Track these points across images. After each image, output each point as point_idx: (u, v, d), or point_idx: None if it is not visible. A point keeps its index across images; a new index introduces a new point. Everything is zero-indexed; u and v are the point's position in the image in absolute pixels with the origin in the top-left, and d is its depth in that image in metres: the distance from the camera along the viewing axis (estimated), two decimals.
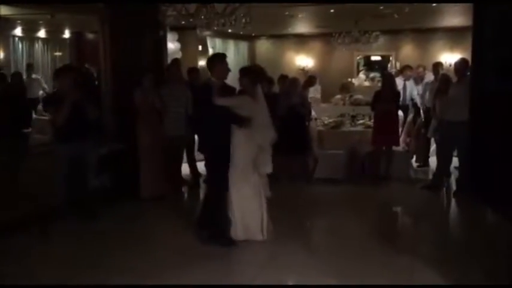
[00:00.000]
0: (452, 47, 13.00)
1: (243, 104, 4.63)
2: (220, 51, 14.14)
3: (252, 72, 4.90)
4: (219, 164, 4.67)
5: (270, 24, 12.18)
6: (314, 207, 6.22)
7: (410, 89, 8.73)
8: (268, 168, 4.73)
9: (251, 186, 4.70)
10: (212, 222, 4.78)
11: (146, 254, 4.56)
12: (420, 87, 8.70)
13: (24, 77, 10.36)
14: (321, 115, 8.56)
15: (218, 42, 13.86)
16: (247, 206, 4.70)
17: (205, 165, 4.98)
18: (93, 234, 5.10)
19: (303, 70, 14.25)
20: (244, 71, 4.88)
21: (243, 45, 15.16)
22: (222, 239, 4.67)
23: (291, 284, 4.15)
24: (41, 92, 10.29)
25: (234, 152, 4.65)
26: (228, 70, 4.81)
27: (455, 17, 11.05)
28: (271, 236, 4.79)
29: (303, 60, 14.74)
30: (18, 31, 11.71)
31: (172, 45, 10.79)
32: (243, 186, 4.68)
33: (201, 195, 7.02)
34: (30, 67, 10.81)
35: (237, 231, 4.72)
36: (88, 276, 4.04)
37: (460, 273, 4.00)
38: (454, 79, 6.54)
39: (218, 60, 4.87)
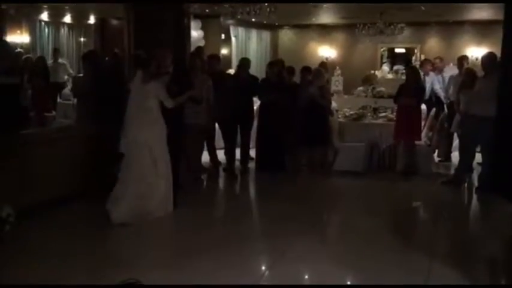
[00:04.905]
0: (480, 40, 12.73)
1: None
2: (243, 40, 14.19)
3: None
4: None
5: (294, 14, 12.10)
6: (332, 199, 6.21)
7: (430, 84, 8.57)
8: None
9: None
10: None
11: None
12: (440, 79, 8.55)
13: (51, 61, 10.52)
14: (343, 107, 8.51)
15: (241, 30, 13.83)
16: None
17: None
18: None
19: (326, 60, 14.16)
20: None
21: (266, 35, 15.09)
22: None
23: (304, 276, 4.13)
24: (66, 77, 10.44)
25: None
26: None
27: (483, 10, 10.82)
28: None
29: (326, 51, 14.62)
30: (44, 16, 11.86)
31: (195, 33, 10.81)
32: None
33: (221, 182, 7.09)
34: (56, 52, 10.95)
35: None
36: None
37: (478, 271, 3.95)
38: (481, 73, 6.43)
39: None
